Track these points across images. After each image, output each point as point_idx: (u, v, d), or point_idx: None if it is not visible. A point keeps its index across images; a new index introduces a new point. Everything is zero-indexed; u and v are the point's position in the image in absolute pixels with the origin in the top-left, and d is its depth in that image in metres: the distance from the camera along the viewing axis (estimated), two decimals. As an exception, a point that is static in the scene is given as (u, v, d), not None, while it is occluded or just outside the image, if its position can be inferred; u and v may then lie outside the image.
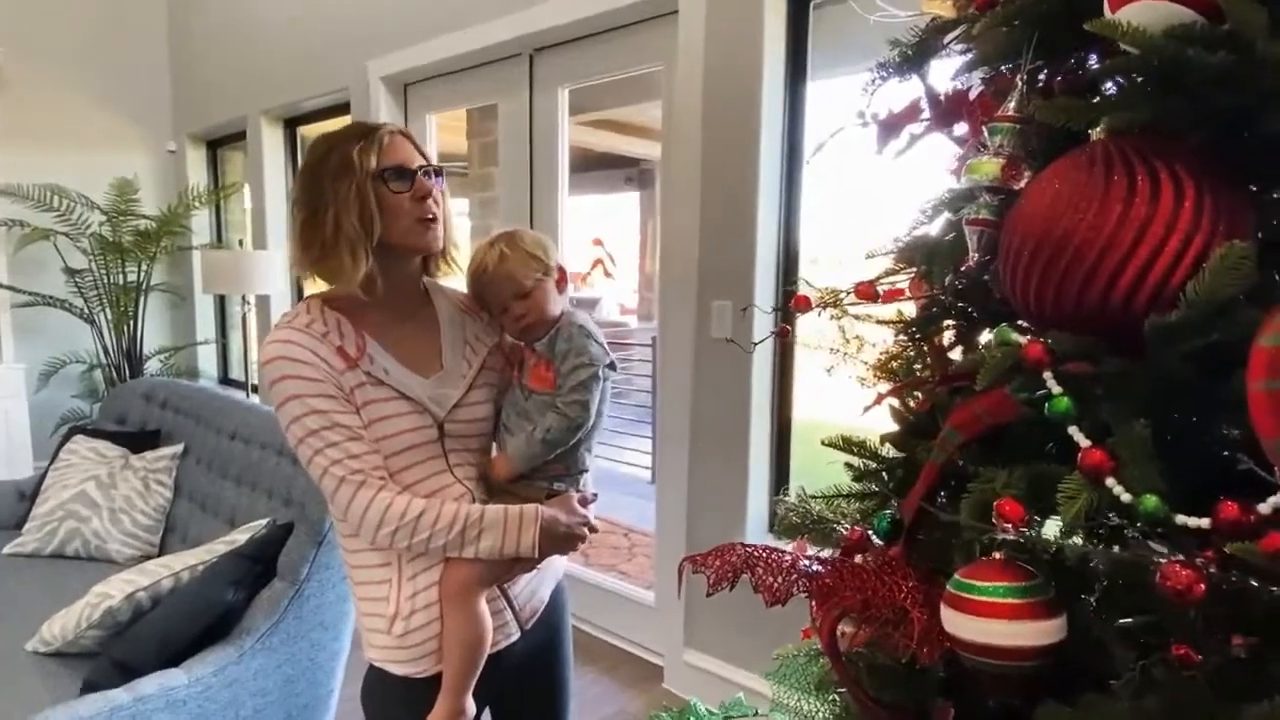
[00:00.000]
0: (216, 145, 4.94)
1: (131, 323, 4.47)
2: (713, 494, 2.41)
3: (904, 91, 0.95)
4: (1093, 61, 0.66)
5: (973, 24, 0.80)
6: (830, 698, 1.01)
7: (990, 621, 0.60)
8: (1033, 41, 0.69)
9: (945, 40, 0.85)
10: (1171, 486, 0.53)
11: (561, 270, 1.17)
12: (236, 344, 4.96)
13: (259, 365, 1.05)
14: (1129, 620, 0.59)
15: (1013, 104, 0.69)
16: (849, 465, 0.97)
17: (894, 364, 1.06)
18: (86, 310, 4.40)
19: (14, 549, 2.41)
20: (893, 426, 1.00)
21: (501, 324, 1.19)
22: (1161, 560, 0.51)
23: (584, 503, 1.14)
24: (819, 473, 1.02)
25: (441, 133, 3.62)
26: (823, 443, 0.92)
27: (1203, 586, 0.46)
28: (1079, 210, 0.62)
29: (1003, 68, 0.78)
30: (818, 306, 1.03)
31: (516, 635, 1.15)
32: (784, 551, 0.80)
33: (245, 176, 4.48)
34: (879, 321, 1.09)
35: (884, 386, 1.07)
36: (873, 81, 0.92)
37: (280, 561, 1.68)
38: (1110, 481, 0.54)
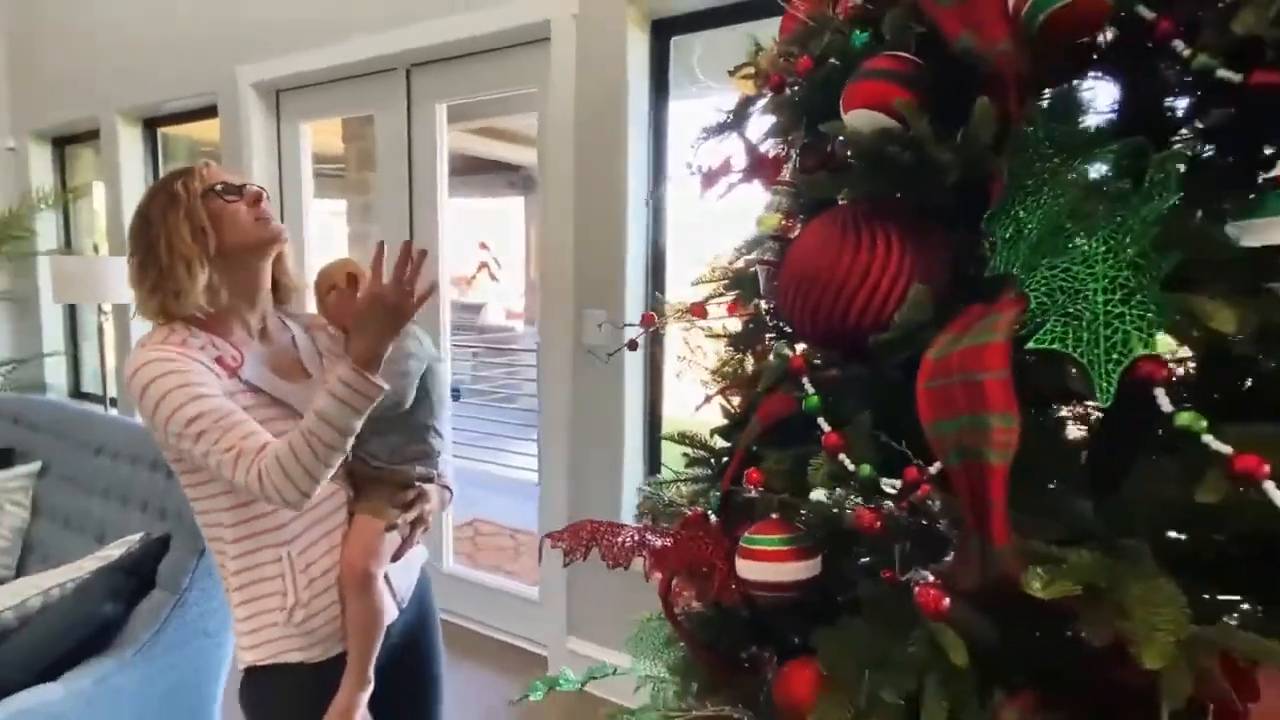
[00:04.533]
0: (63, 143, 4.63)
1: (-32, 334, 4.14)
2: (592, 491, 2.56)
3: (728, 147, 1.15)
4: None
5: (769, 101, 1.01)
6: (675, 651, 1.20)
7: (766, 564, 0.79)
8: (802, 124, 0.89)
9: (750, 111, 1.06)
10: (887, 459, 0.74)
11: None
12: (90, 356, 4.67)
13: (127, 378, 1.04)
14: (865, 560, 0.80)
15: (786, 172, 0.90)
16: (685, 455, 1.16)
17: (726, 370, 1.26)
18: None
19: None
20: (722, 421, 1.21)
21: (324, 304, 1.27)
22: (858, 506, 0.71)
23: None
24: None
25: (316, 134, 3.57)
26: (663, 437, 1.10)
27: (879, 523, 0.66)
28: (825, 257, 0.83)
29: (780, 140, 0.99)
30: (659, 323, 1.22)
31: (395, 614, 1.27)
32: (624, 525, 0.97)
33: (97, 175, 4.24)
34: (709, 335, 1.30)
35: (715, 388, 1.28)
36: (698, 139, 1.12)
37: (159, 572, 1.70)
38: (842, 456, 0.74)
